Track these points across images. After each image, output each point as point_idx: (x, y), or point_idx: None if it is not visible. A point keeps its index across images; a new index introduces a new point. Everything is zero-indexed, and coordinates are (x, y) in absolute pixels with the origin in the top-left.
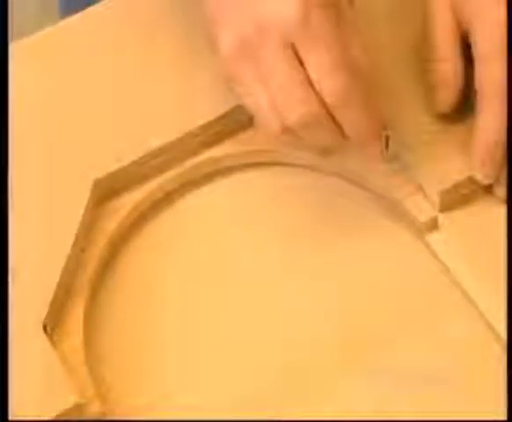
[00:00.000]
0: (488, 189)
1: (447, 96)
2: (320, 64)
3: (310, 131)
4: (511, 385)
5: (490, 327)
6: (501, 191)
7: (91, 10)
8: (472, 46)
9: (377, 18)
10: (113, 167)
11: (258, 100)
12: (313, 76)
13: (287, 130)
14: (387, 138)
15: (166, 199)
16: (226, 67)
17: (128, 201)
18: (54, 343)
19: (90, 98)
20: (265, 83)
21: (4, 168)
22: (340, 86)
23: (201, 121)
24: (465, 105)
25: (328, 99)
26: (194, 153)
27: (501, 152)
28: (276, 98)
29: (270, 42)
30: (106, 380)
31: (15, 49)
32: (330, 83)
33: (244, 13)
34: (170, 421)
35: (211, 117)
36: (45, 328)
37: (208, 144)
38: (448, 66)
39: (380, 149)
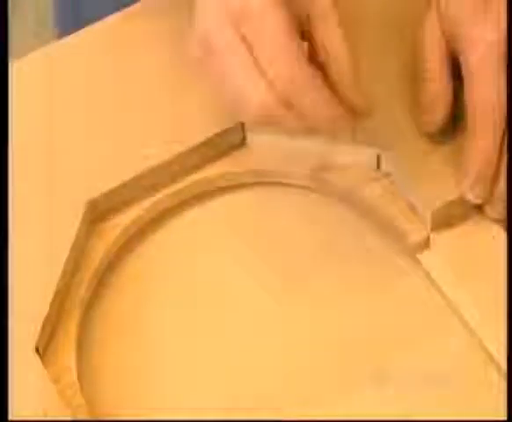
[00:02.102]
0: (480, 208)
1: (436, 116)
2: (265, 52)
3: (272, 121)
4: (511, 385)
5: (482, 345)
6: (493, 210)
7: (87, 30)
8: (462, 66)
9: (369, 37)
10: (105, 188)
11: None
12: (262, 66)
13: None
14: (378, 157)
15: (159, 219)
16: (198, 67)
17: (121, 222)
18: (46, 363)
19: (84, 119)
20: (224, 79)
21: (4, 186)
22: (286, 74)
23: (194, 142)
24: (458, 124)
25: (280, 89)
26: (188, 173)
27: (491, 172)
28: (233, 94)
29: (225, 35)
30: (100, 399)
31: (13, 68)
32: (279, 72)
33: (210, 9)
34: (169, 421)
35: (204, 137)
36: (37, 349)
37: (202, 164)
38: (437, 86)
39: (348, 128)
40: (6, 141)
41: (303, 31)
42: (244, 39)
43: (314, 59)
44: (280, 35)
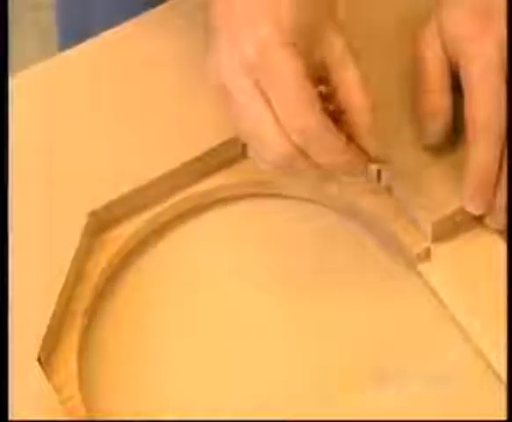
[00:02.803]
0: (480, 219)
1: (436, 127)
2: (280, 102)
3: (290, 168)
4: (511, 385)
5: (482, 356)
6: (493, 221)
7: (90, 42)
8: (462, 79)
9: (368, 52)
10: (107, 199)
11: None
12: (278, 115)
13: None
14: (379, 171)
15: (161, 230)
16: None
17: (123, 233)
18: (48, 373)
19: (87, 130)
20: (239, 120)
21: (5, 199)
22: (299, 124)
23: (195, 153)
24: (458, 137)
25: (295, 138)
26: (188, 185)
27: (491, 183)
28: (248, 138)
29: (239, 82)
30: (101, 410)
31: (14, 82)
32: (293, 123)
33: (223, 52)
34: (170, 421)
35: (205, 149)
36: (39, 359)
37: (202, 176)
38: (437, 98)
39: (365, 175)
40: (7, 153)
41: (319, 76)
42: (257, 84)
43: (330, 102)
44: (294, 85)
